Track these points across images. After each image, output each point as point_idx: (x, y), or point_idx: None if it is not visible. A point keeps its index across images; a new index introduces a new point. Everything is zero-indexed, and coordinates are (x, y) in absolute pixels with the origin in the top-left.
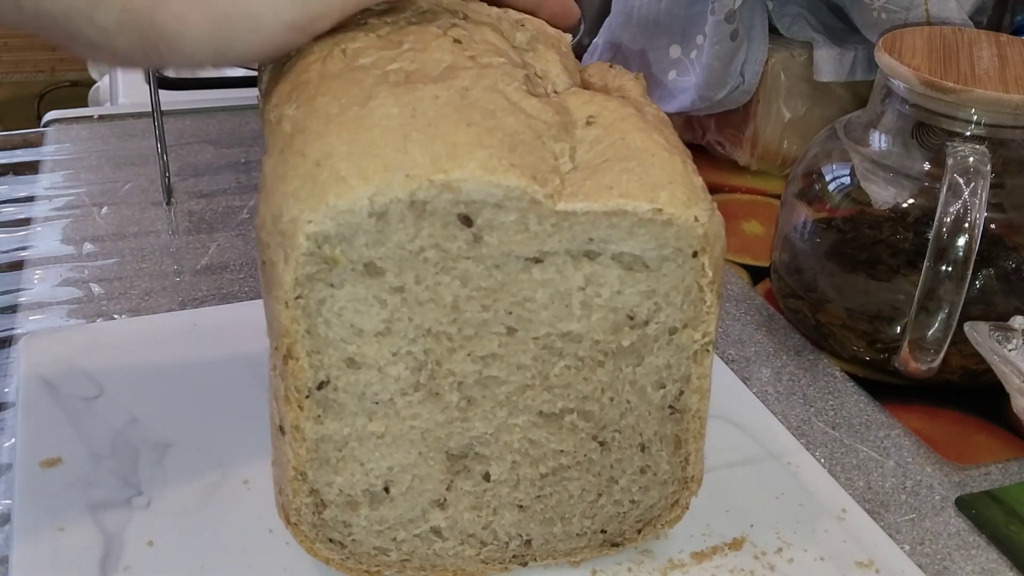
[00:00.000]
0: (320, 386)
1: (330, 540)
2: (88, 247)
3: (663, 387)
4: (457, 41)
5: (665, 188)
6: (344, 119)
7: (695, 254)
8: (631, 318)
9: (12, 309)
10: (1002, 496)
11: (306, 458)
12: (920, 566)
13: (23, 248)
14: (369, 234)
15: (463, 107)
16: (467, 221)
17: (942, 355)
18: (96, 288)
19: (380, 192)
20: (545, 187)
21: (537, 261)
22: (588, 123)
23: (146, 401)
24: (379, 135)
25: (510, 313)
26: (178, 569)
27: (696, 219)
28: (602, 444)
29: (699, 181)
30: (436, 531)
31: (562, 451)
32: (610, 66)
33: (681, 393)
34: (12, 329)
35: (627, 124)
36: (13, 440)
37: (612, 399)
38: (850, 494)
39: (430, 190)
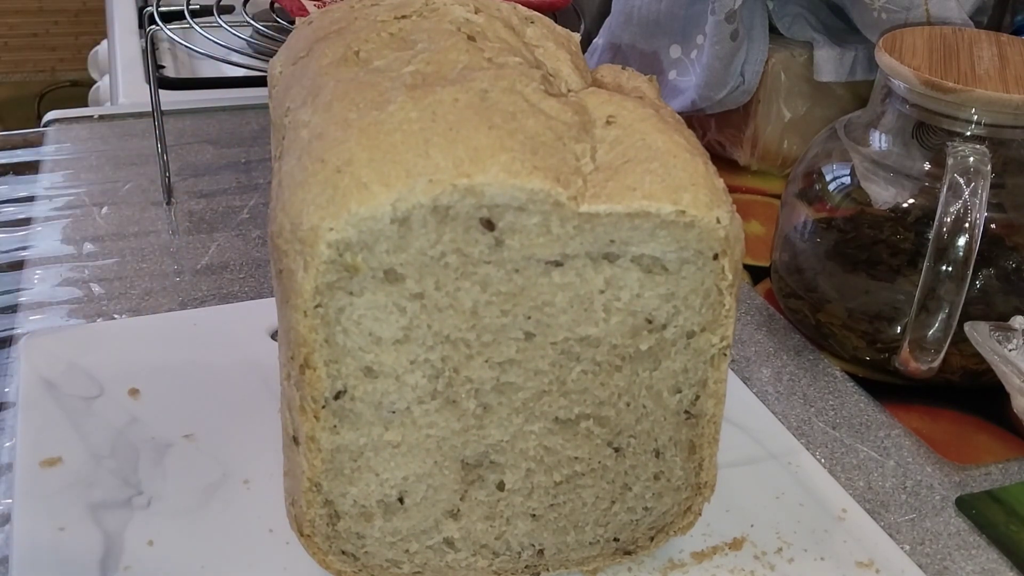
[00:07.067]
0: (337, 396)
1: (343, 552)
2: (88, 247)
3: (679, 392)
4: (471, 38)
5: (688, 190)
6: (363, 124)
7: (716, 256)
8: (649, 322)
9: (12, 309)
10: (1002, 496)
11: (321, 469)
12: (920, 566)
13: (23, 248)
14: (391, 240)
15: (483, 109)
16: (489, 225)
17: (942, 355)
18: (96, 288)
19: (402, 198)
20: (568, 189)
21: (557, 264)
22: (608, 123)
23: (146, 401)
24: (400, 140)
25: (529, 318)
26: (178, 569)
27: (718, 221)
28: (617, 450)
29: (720, 183)
30: (449, 542)
31: (577, 458)
32: (622, 68)
33: (697, 398)
34: (12, 329)
35: (647, 125)
36: (13, 440)
37: (628, 404)
38: (850, 494)
39: (453, 195)
